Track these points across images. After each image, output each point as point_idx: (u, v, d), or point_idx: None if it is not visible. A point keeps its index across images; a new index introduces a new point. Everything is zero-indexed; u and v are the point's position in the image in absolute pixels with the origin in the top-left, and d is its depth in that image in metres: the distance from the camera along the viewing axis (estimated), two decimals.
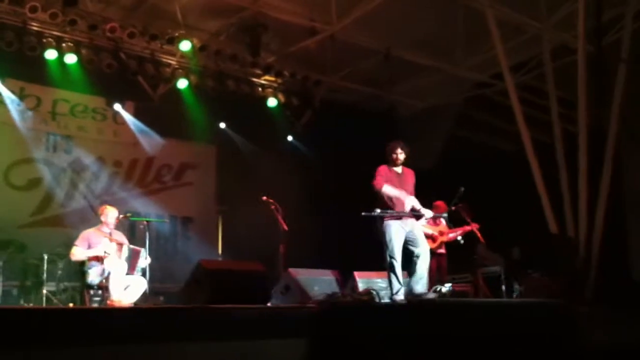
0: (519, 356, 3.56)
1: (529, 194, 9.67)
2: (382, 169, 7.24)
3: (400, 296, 6.90)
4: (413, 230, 7.12)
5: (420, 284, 6.99)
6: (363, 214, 7.00)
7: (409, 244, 7.07)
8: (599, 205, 9.03)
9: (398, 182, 7.22)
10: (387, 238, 7.00)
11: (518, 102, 9.87)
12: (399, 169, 7.32)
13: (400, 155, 7.22)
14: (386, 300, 7.24)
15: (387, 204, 7.08)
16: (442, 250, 8.92)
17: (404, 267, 7.07)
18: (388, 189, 7.07)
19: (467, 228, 8.63)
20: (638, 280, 8.79)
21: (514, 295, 8.36)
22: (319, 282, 7.43)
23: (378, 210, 6.99)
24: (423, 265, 7.00)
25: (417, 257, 7.02)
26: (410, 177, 7.39)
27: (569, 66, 9.65)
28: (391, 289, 7.00)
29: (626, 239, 10.35)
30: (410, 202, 7.11)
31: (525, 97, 10.42)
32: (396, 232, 7.01)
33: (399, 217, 7.05)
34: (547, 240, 9.37)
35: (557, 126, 9.89)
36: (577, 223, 9.17)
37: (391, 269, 6.98)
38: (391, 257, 6.98)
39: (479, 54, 11.00)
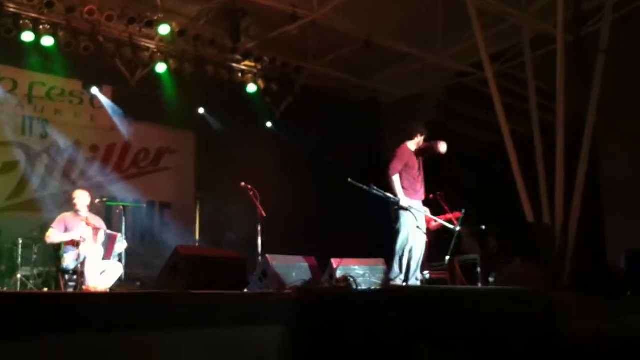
0: (498, 342, 3.59)
1: (507, 183, 9.72)
2: (404, 151, 7.26)
3: (398, 282, 6.92)
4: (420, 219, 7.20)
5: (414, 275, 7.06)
6: (350, 180, 7.00)
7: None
8: (575, 193, 9.12)
9: (418, 163, 7.31)
10: (401, 224, 7.03)
11: (497, 91, 9.90)
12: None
13: (423, 137, 7.34)
14: (364, 287, 7.24)
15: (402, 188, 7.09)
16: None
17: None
18: (395, 182, 7.07)
19: (448, 216, 8.66)
20: (614, 266, 8.88)
21: (490, 283, 8.40)
22: (297, 268, 7.38)
23: (371, 187, 7.00)
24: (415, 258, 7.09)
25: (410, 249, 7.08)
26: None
27: (549, 56, 9.69)
28: (389, 273, 7.07)
29: (603, 226, 10.45)
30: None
31: (504, 86, 10.44)
32: (409, 218, 7.03)
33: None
34: (523, 229, 9.43)
35: (535, 116, 9.94)
36: (554, 212, 9.25)
37: (399, 255, 7.00)
38: (402, 244, 7.00)
39: (459, 43, 11.01)
